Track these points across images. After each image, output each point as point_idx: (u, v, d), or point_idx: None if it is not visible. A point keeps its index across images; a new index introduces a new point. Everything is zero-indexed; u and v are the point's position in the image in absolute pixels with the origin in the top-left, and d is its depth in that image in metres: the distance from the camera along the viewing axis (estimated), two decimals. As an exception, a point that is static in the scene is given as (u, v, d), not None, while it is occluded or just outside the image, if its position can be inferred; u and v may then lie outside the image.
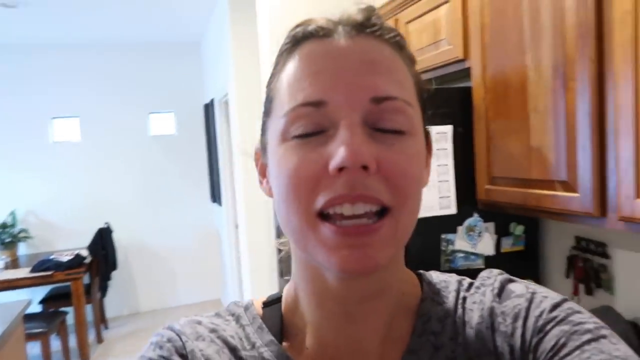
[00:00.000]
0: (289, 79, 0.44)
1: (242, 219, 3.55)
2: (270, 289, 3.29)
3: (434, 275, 0.55)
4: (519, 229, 1.62)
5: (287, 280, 0.52)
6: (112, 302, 4.87)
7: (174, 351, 0.47)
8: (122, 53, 4.87)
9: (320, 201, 0.41)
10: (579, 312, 0.44)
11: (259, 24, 2.57)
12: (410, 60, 0.47)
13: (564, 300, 0.46)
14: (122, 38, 4.68)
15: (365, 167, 0.39)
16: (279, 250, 0.57)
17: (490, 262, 1.58)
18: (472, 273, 0.55)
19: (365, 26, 0.44)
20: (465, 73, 1.52)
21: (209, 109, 4.73)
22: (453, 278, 0.54)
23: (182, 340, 0.48)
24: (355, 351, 0.48)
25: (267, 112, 0.48)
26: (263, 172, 0.51)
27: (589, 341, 0.41)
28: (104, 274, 4.39)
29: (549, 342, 0.43)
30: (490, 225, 1.60)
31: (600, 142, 1.08)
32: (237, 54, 3.36)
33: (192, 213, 5.18)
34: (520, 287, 0.49)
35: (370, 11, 0.46)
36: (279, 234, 0.53)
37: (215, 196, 4.73)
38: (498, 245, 1.61)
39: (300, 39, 0.45)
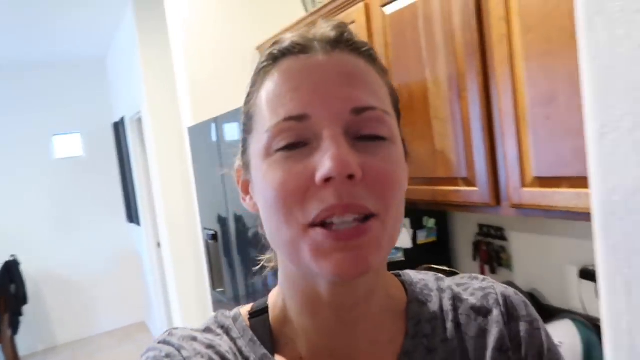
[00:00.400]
0: (269, 95, 0.45)
1: (164, 237, 3.50)
2: (199, 305, 3.27)
3: (412, 275, 0.56)
4: (431, 222, 1.81)
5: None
6: (25, 339, 4.53)
7: None
8: (20, 73, 4.57)
9: (311, 213, 0.41)
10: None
11: (171, 39, 2.57)
12: (383, 71, 0.48)
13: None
14: (19, 57, 4.38)
15: (351, 177, 0.40)
16: (264, 268, 0.57)
17: (409, 253, 1.75)
18: (393, 266, 0.62)
19: (340, 41, 0.45)
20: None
21: (119, 127, 4.57)
22: (429, 276, 0.56)
23: (182, 356, 0.46)
24: (350, 356, 0.48)
25: (247, 130, 0.48)
26: (246, 189, 0.50)
27: None
28: (14, 309, 4.08)
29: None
30: (406, 221, 1.77)
31: (491, 142, 1.28)
32: (147, 69, 3.30)
33: (107, 236, 4.96)
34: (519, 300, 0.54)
35: (343, 27, 0.47)
36: (262, 249, 0.54)
37: (133, 216, 4.57)
38: (414, 238, 1.79)
39: (277, 56, 0.46)
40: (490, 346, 0.50)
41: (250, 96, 0.48)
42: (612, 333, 0.75)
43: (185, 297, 3.34)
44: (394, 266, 1.72)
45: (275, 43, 0.47)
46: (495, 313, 0.52)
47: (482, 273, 1.76)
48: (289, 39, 0.46)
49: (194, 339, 0.48)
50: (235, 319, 0.51)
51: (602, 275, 0.75)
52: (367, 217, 0.41)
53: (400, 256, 1.74)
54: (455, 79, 1.33)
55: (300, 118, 0.42)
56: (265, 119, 0.44)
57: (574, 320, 1.37)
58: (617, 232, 0.72)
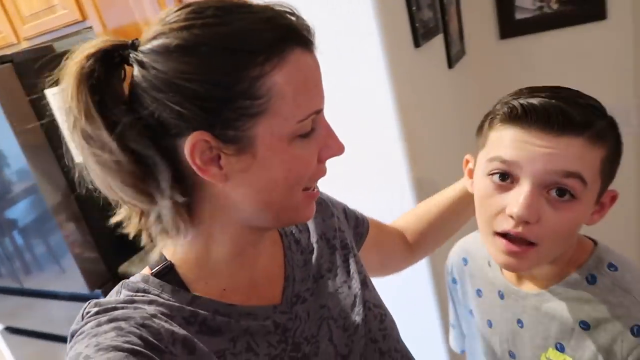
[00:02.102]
0: (293, 86, 0.47)
1: None
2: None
3: None
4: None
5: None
6: None
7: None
8: None
9: (311, 182, 0.53)
10: None
11: None
12: None
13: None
14: None
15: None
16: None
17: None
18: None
19: (314, 38, 0.51)
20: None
21: None
22: None
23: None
24: (266, 273, 0.60)
25: (257, 109, 0.46)
26: (215, 160, 0.48)
27: None
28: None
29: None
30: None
31: None
32: None
33: None
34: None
35: (314, 30, 0.52)
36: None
37: None
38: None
39: (288, 41, 0.47)
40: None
41: (244, 71, 0.45)
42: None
43: None
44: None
45: (279, 22, 0.48)
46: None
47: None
48: (297, 24, 0.49)
49: (121, 328, 0.46)
50: (145, 280, 0.53)
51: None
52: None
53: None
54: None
55: (319, 111, 0.51)
56: (291, 109, 0.47)
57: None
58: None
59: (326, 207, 0.71)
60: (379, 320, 0.67)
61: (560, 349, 0.65)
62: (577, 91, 0.60)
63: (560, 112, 0.55)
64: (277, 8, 0.49)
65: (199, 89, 0.44)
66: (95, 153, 0.46)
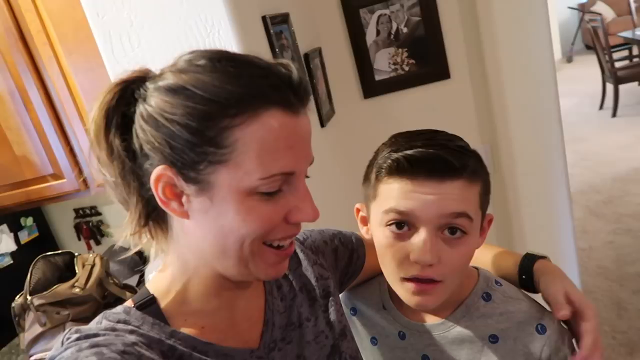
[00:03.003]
0: (263, 145, 0.48)
1: None
2: None
3: None
4: (29, 221, 1.94)
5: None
6: None
7: None
8: None
9: (273, 237, 0.53)
10: None
11: None
12: None
13: None
14: None
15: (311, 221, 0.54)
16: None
17: (17, 255, 1.85)
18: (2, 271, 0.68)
19: (308, 99, 0.53)
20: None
21: None
22: None
23: None
24: (246, 316, 0.61)
25: (216, 157, 0.48)
26: (172, 195, 0.51)
27: None
28: None
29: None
30: (4, 227, 1.85)
31: (66, 140, 1.49)
32: None
33: None
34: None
35: (307, 83, 0.53)
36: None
37: None
38: (17, 239, 1.88)
39: (264, 99, 0.48)
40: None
41: (211, 121, 0.47)
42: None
43: None
44: (3, 271, 1.79)
45: (240, 75, 0.49)
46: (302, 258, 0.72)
47: (88, 247, 2.06)
48: (281, 83, 0.50)
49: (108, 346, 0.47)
50: (126, 312, 0.53)
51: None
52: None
53: (8, 260, 1.83)
54: (18, 93, 1.51)
55: (289, 174, 0.51)
56: (255, 166, 0.48)
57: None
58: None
59: (307, 257, 0.72)
60: None
61: None
62: (445, 133, 0.67)
63: (440, 160, 0.61)
64: (274, 64, 0.51)
65: (172, 128, 0.48)
66: (102, 171, 0.53)
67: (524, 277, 0.74)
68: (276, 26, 1.17)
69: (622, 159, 4.06)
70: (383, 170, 0.64)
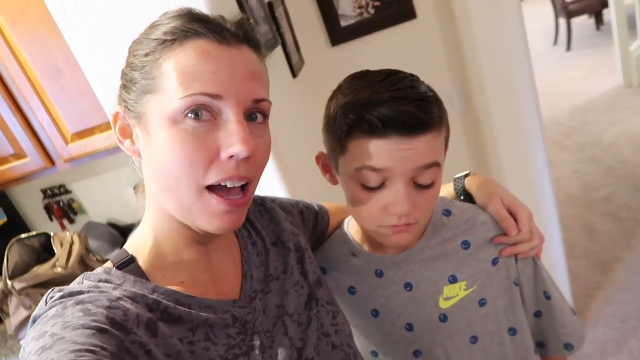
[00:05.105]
0: (183, 68, 0.49)
1: None
2: None
3: None
4: (-6, 206, 1.86)
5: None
6: None
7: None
8: None
9: (210, 178, 0.50)
10: None
11: None
12: (265, 66, 0.58)
13: None
14: None
15: (248, 158, 0.51)
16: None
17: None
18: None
19: (247, 39, 0.54)
20: None
21: None
22: None
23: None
24: (223, 270, 0.62)
25: (144, 87, 0.52)
26: (126, 134, 0.56)
27: None
28: None
29: None
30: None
31: (24, 118, 1.43)
32: None
33: None
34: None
35: (248, 25, 0.54)
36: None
37: None
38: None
39: (189, 31, 0.51)
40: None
41: (149, 56, 0.52)
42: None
43: None
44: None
45: (187, 15, 0.52)
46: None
47: (62, 227, 1.99)
48: (204, 18, 0.52)
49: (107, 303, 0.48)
50: (107, 272, 0.54)
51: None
52: (246, 182, 0.53)
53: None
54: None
55: (214, 96, 0.49)
56: (177, 87, 0.49)
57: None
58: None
59: (277, 214, 0.74)
60: (331, 316, 0.69)
61: (453, 280, 0.74)
62: (404, 75, 0.66)
63: (413, 117, 0.60)
64: (218, 16, 0.54)
65: (125, 71, 0.55)
66: None
67: (461, 198, 0.82)
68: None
69: (579, 92, 4.18)
70: (354, 128, 0.63)
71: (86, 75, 0.97)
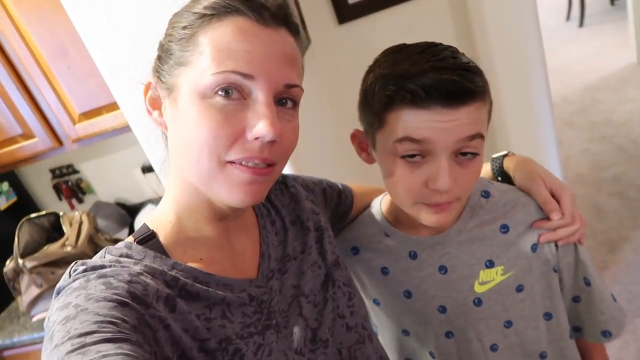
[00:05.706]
0: (218, 44, 0.50)
1: None
2: None
3: None
4: (4, 186, 1.87)
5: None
6: None
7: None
8: None
9: (232, 155, 0.50)
10: None
11: None
12: (302, 53, 0.57)
13: None
14: None
15: (273, 141, 0.51)
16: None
17: (-2, 222, 1.80)
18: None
19: (286, 22, 0.53)
20: None
21: None
22: None
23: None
24: (242, 249, 0.62)
25: (179, 60, 0.52)
26: (155, 105, 0.57)
27: None
28: None
29: None
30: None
31: (31, 98, 1.44)
32: None
33: None
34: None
35: (287, 7, 0.53)
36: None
37: None
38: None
39: (229, 7, 0.51)
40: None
41: (187, 29, 0.52)
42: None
43: None
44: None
45: None
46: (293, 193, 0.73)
47: (71, 207, 2.01)
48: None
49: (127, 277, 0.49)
50: (128, 247, 0.55)
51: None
52: (270, 164, 0.53)
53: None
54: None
55: (246, 76, 0.49)
56: (210, 62, 0.49)
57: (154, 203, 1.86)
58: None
59: (298, 192, 0.74)
60: (347, 297, 0.69)
61: (490, 265, 0.72)
62: (444, 47, 0.63)
63: (456, 86, 0.58)
64: None
65: (162, 42, 0.56)
66: None
67: (499, 179, 0.79)
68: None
69: (591, 69, 4.10)
70: (394, 100, 0.61)
71: (92, 56, 0.97)
